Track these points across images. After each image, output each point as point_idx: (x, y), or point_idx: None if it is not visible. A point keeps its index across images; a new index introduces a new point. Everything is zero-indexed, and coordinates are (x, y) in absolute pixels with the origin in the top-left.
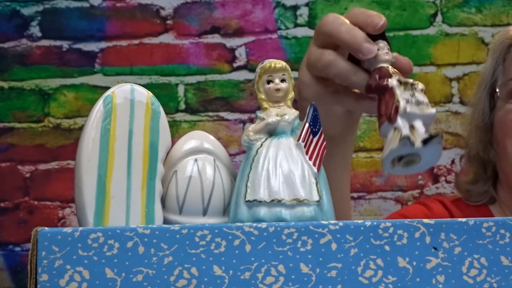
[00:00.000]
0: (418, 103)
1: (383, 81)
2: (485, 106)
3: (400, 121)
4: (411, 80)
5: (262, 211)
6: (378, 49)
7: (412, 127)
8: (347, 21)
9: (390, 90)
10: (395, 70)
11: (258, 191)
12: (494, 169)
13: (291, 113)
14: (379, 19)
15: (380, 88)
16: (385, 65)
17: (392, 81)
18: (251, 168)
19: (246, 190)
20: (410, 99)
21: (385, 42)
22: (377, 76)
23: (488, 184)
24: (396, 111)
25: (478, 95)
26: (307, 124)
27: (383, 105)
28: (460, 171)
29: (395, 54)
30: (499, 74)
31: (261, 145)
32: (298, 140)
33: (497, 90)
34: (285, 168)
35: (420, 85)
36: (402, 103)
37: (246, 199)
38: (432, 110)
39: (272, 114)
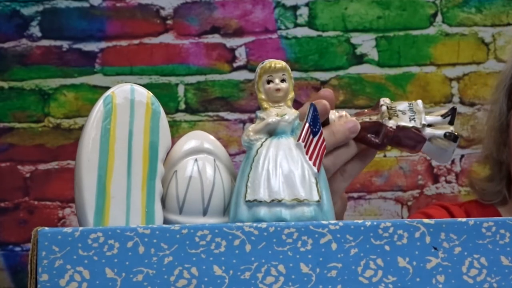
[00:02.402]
0: (412, 111)
1: (386, 131)
2: (503, 106)
3: (427, 131)
4: (385, 105)
5: (262, 211)
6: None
7: (429, 125)
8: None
9: (397, 129)
10: (368, 115)
11: (258, 191)
12: (508, 169)
13: (291, 113)
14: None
15: (389, 137)
16: (359, 119)
17: (389, 122)
18: (251, 168)
19: (246, 190)
20: (409, 116)
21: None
22: (373, 135)
23: (502, 184)
24: (420, 132)
25: (496, 95)
26: (307, 124)
27: (407, 140)
28: (470, 170)
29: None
30: None
31: (261, 145)
32: (298, 140)
33: None
34: (285, 168)
35: (388, 101)
36: (414, 124)
37: (246, 199)
38: (419, 101)
39: (272, 114)
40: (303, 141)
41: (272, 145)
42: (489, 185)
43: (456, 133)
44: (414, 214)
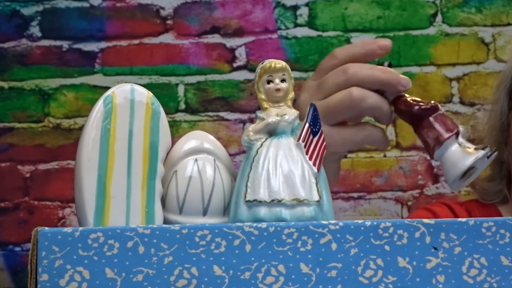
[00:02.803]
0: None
1: (429, 104)
2: (504, 106)
3: (460, 139)
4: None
5: (262, 211)
6: None
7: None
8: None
9: (439, 111)
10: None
11: (258, 191)
12: (508, 169)
13: (291, 113)
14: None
15: (428, 111)
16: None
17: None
18: (251, 168)
19: (246, 190)
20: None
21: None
22: (419, 102)
23: (503, 183)
24: (457, 127)
25: (497, 95)
26: (307, 124)
27: (441, 125)
28: None
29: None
30: None
31: (261, 145)
32: (298, 140)
33: None
34: (285, 168)
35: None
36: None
37: (246, 199)
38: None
39: (272, 114)
40: (303, 141)
41: (272, 145)
42: (490, 185)
43: (483, 148)
44: (417, 210)
